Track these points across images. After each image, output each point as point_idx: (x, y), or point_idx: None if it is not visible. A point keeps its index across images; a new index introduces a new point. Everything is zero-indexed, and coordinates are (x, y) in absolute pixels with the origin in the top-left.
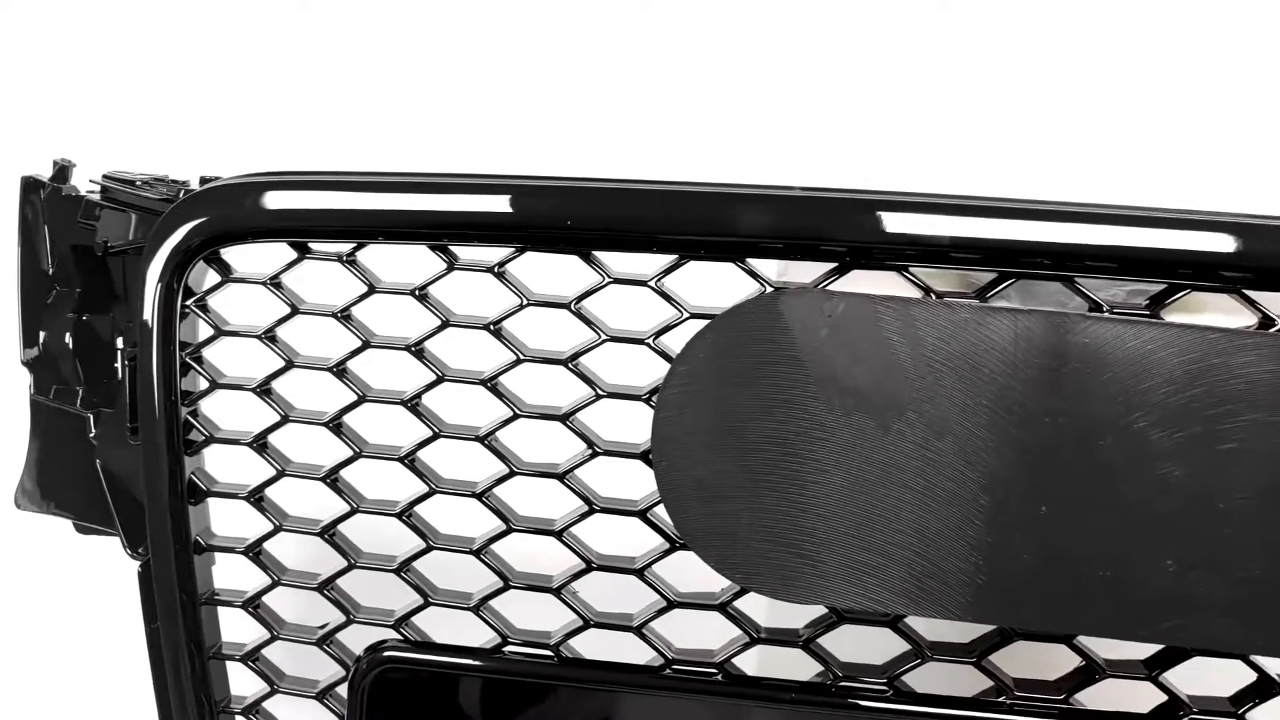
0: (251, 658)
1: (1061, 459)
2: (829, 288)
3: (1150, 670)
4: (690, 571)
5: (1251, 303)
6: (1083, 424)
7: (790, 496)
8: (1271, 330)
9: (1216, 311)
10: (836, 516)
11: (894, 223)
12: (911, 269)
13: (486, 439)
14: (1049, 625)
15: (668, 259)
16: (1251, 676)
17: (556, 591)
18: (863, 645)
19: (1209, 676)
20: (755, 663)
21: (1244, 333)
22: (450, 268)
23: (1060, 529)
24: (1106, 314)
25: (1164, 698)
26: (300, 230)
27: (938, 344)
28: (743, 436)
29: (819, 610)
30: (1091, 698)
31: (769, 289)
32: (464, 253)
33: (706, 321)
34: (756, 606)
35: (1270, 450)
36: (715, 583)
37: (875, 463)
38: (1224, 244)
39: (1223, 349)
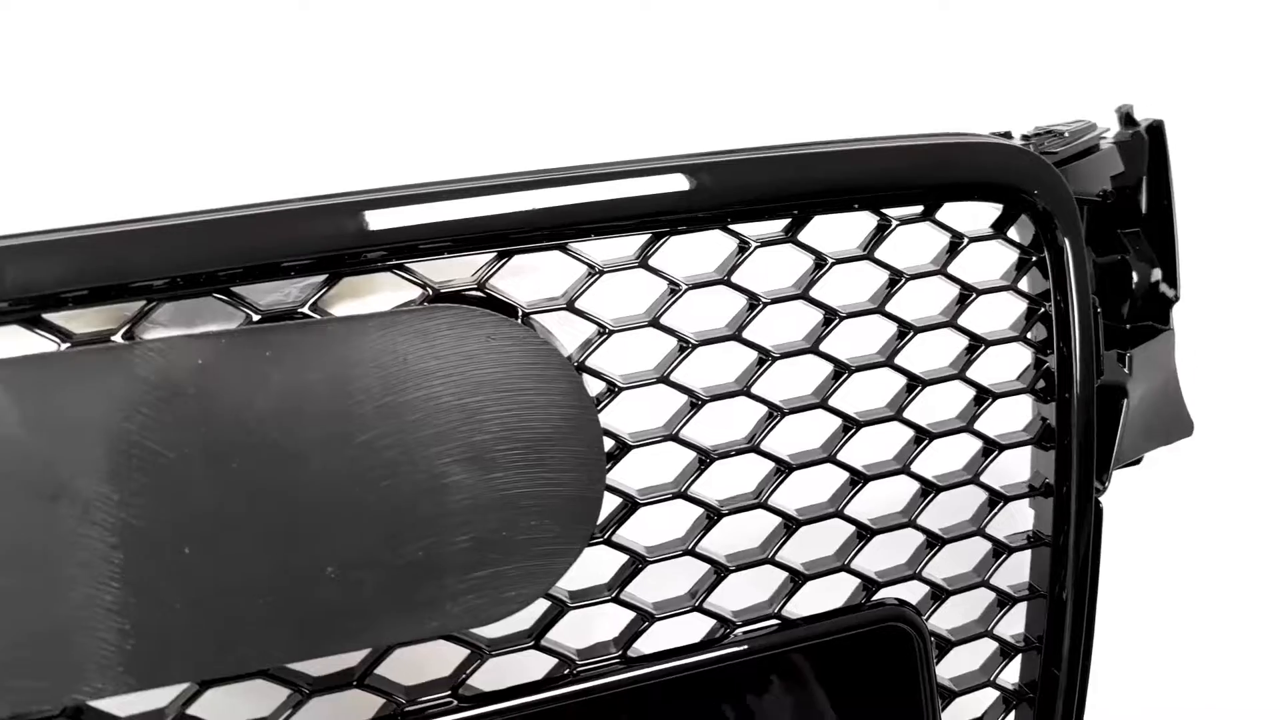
0: None
1: (197, 493)
2: None
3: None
4: None
5: (410, 278)
6: (210, 450)
7: None
8: (399, 308)
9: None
10: None
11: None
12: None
13: None
14: (232, 668)
15: None
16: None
17: None
18: None
19: None
20: None
21: (357, 318)
22: None
23: (210, 568)
24: (228, 328)
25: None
26: None
27: (43, 404)
28: None
29: None
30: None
31: None
32: None
33: None
34: None
35: (401, 428)
36: None
37: None
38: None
39: (345, 338)
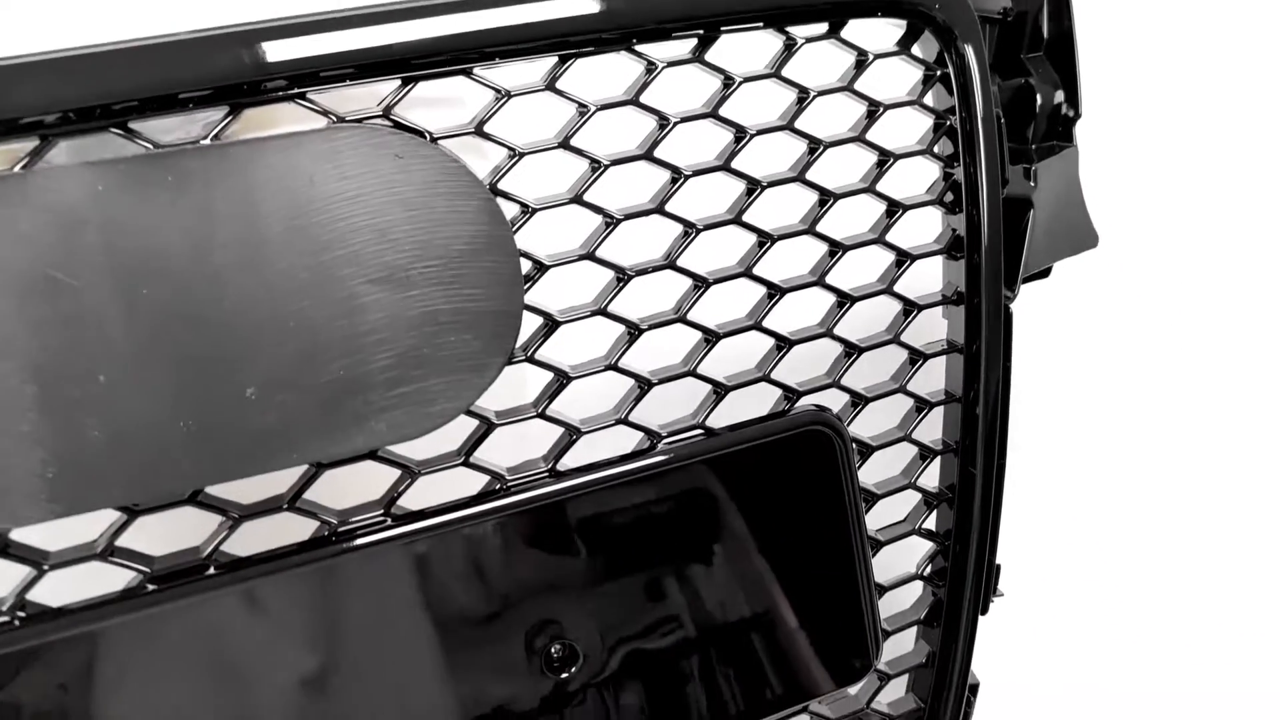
0: None
1: (107, 321)
2: None
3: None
4: None
5: (313, 107)
6: (117, 277)
7: None
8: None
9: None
10: None
11: None
12: None
13: None
14: (157, 492)
15: None
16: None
17: None
18: None
19: None
20: None
21: (259, 140)
22: None
23: (126, 394)
24: (126, 156)
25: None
26: None
27: None
28: None
29: None
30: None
31: None
32: None
33: None
34: None
35: (313, 248)
36: None
37: None
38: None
39: (248, 161)
